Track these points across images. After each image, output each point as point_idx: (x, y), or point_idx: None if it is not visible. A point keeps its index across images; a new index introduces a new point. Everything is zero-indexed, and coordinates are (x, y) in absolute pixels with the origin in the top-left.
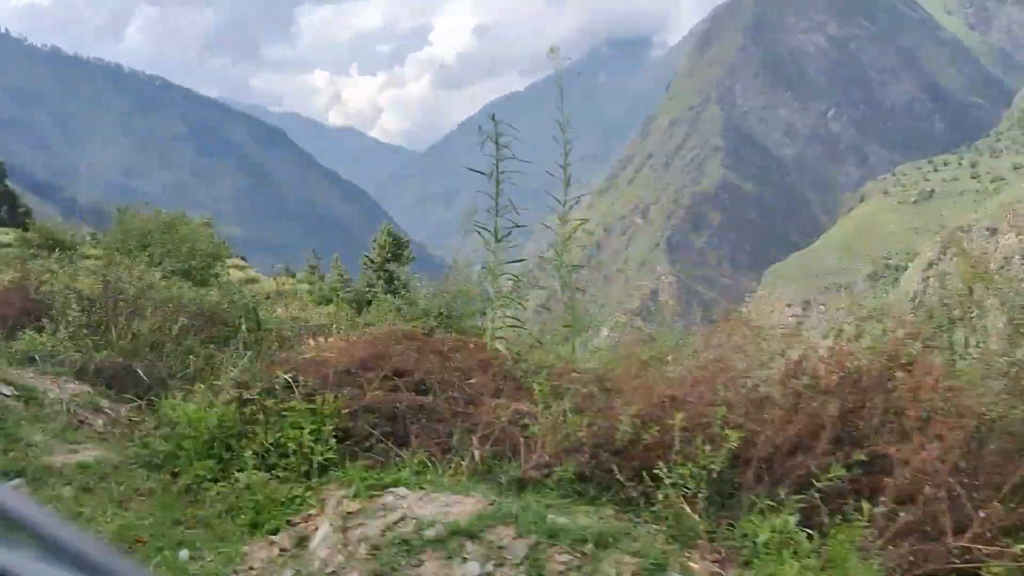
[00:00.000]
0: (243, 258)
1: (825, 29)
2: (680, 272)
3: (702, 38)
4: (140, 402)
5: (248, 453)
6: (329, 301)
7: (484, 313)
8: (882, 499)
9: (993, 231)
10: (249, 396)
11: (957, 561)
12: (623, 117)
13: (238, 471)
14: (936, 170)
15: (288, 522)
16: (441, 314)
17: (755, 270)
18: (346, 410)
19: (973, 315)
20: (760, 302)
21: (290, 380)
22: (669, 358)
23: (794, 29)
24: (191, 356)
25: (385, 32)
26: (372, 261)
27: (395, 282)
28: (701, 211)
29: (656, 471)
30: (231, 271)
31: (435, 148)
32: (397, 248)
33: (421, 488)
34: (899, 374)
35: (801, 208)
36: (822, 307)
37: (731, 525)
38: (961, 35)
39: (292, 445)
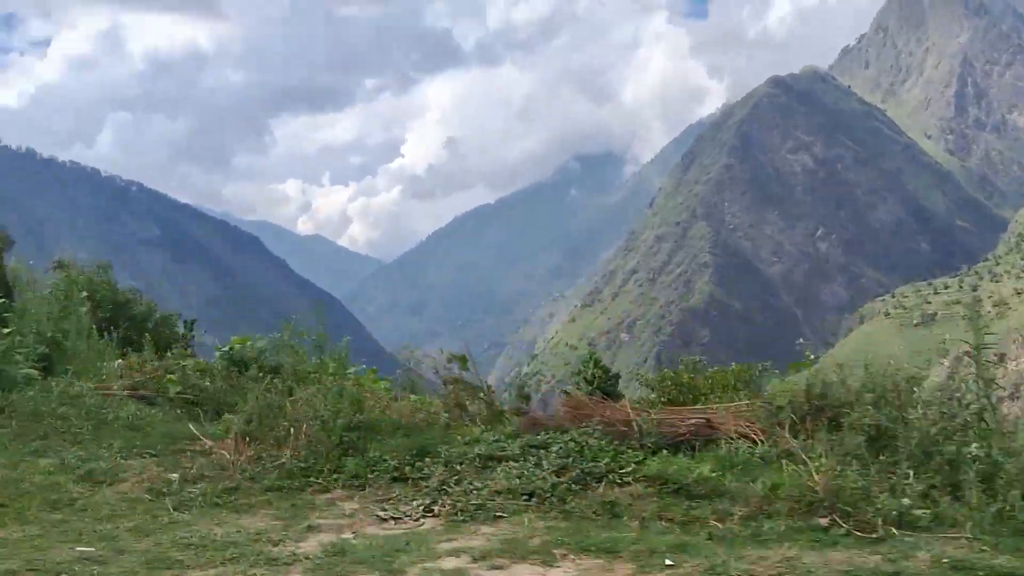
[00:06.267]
0: None
1: (811, 149)
2: None
3: (686, 156)
4: None
5: None
6: None
7: None
8: None
9: (1001, 356)
10: None
11: None
12: (593, 232)
13: None
14: (936, 292)
15: None
16: None
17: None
18: None
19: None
20: None
21: None
22: None
23: (780, 149)
24: None
25: (358, 143)
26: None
27: None
28: (690, 327)
29: None
30: None
31: (404, 258)
32: (607, 383)
33: None
34: None
35: (790, 328)
36: None
37: None
38: (942, 160)
39: None
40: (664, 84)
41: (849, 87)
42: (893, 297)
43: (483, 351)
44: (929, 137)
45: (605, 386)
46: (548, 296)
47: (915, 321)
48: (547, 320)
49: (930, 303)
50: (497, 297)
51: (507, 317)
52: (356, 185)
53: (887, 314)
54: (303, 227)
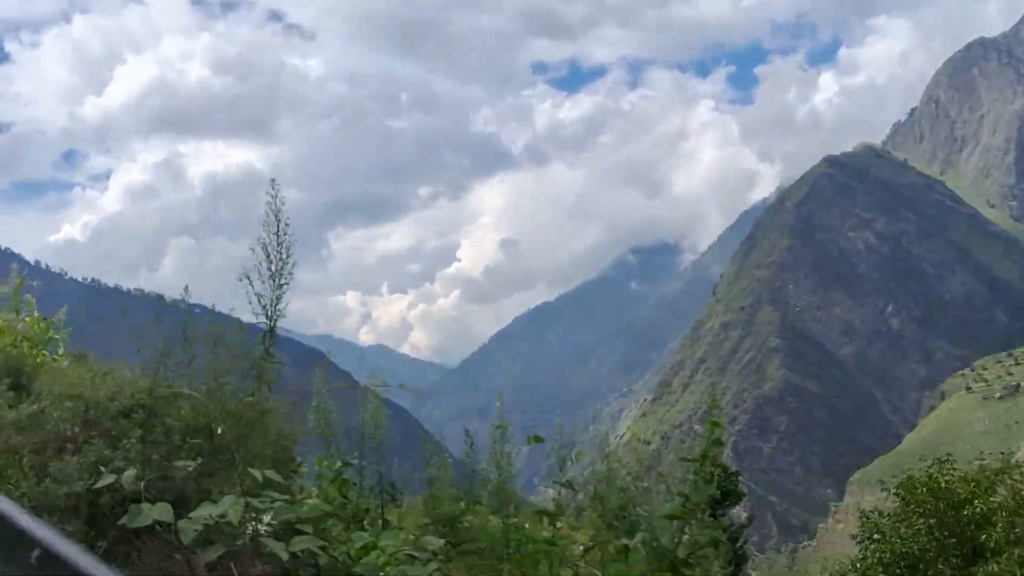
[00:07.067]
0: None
1: (873, 226)
2: (749, 481)
3: (746, 240)
4: None
5: None
6: None
7: None
8: None
9: None
10: None
11: None
12: (656, 323)
13: None
14: (1017, 363)
15: None
16: None
17: (829, 476)
18: None
19: None
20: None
21: None
22: None
23: (841, 227)
24: None
25: (414, 251)
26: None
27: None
28: (766, 415)
29: None
30: None
31: (467, 362)
32: (726, 481)
33: None
34: None
35: (869, 408)
36: None
37: None
38: (1009, 228)
39: None
40: (715, 171)
41: (906, 161)
42: (973, 371)
43: (555, 451)
44: (992, 206)
45: (725, 485)
46: (616, 391)
47: (998, 394)
48: (617, 416)
49: (1012, 374)
50: (565, 395)
51: (576, 415)
52: (415, 292)
53: (968, 388)
54: (365, 338)
